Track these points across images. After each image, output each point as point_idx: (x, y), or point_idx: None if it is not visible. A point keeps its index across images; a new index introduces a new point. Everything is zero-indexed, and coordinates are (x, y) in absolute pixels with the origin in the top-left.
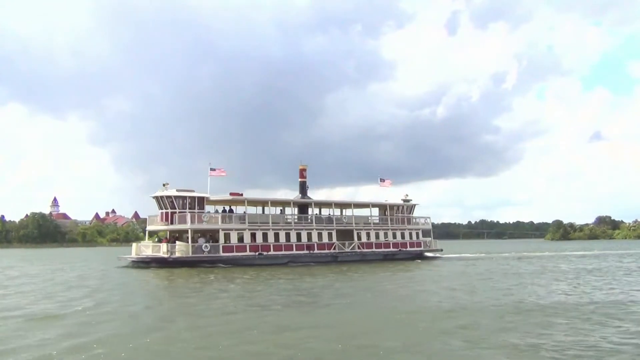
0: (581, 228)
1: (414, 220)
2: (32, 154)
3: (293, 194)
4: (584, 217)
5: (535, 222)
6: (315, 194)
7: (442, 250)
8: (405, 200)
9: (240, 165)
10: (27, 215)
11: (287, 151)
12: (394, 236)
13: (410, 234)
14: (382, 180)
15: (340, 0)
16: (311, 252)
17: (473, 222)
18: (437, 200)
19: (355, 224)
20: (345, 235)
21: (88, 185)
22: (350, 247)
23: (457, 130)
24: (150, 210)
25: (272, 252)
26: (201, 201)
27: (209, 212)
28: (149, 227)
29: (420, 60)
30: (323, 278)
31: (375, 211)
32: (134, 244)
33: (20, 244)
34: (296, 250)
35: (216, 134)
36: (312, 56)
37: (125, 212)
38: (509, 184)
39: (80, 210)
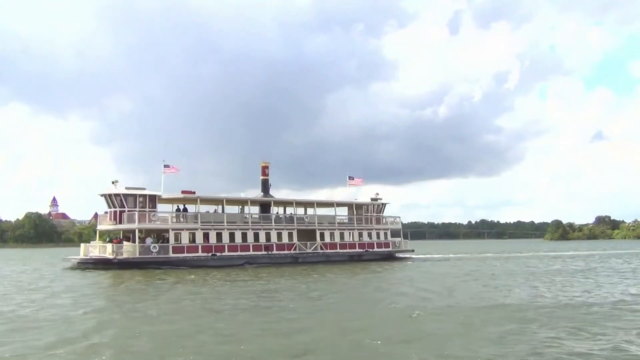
0: (580, 228)
1: (383, 219)
2: (32, 153)
3: (294, 194)
4: (584, 217)
5: (536, 222)
6: (316, 194)
7: (413, 250)
8: (374, 199)
9: (242, 164)
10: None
11: (289, 151)
12: (361, 236)
13: (378, 234)
14: (351, 178)
15: (342, 0)
16: (270, 252)
17: (474, 222)
18: (439, 200)
19: (319, 223)
20: (308, 235)
21: (89, 185)
22: (312, 248)
23: (458, 130)
24: None
25: (227, 253)
26: (152, 199)
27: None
28: (99, 227)
29: (422, 59)
30: (281, 280)
31: (345, 210)
32: (82, 245)
33: (16, 243)
34: (253, 251)
35: (218, 134)
36: (314, 56)
37: None
38: (510, 183)
39: (80, 210)
